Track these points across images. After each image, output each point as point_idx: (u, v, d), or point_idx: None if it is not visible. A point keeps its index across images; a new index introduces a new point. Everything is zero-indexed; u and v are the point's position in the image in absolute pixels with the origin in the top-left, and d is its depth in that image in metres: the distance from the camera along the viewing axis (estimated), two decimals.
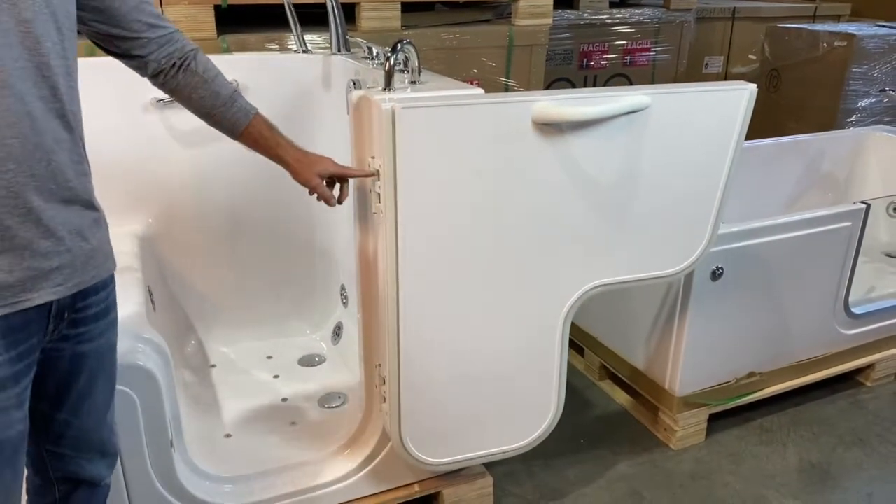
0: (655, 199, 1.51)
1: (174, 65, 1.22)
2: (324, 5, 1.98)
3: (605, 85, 3.60)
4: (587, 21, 3.38)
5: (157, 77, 1.23)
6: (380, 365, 1.52)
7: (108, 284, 1.12)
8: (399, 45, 1.38)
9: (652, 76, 3.73)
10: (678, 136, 1.48)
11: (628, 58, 3.63)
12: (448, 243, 1.39)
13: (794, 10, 4.21)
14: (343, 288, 2.12)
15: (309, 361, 2.04)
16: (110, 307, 1.12)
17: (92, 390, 1.11)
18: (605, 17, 3.43)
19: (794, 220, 1.94)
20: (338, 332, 2.10)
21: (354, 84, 1.76)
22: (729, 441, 2.03)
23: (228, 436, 1.72)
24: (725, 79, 4.16)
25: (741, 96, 1.50)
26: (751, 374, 2.05)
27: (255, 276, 2.10)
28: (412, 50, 1.42)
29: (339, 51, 1.93)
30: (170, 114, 1.91)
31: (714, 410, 2.02)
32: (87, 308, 1.06)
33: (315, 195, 1.36)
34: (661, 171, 1.49)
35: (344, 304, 2.12)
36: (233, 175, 2.01)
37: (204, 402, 1.84)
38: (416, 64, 1.45)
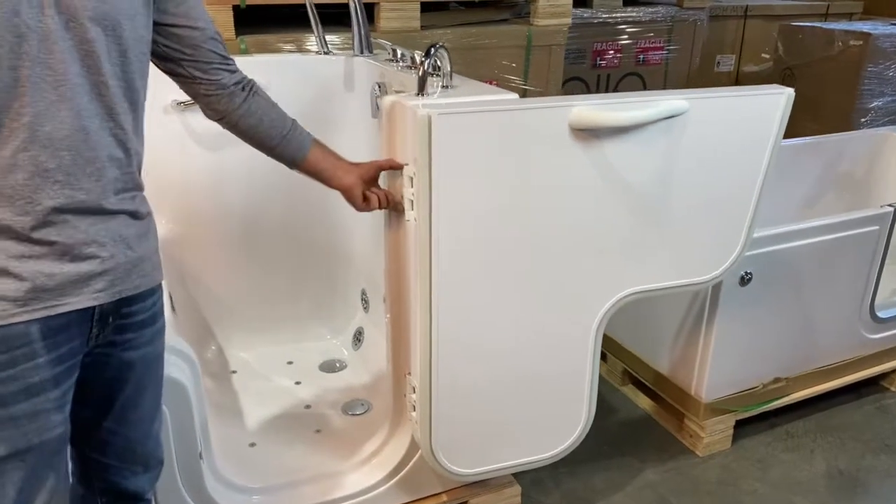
0: (691, 204, 1.49)
1: (243, 88, 1.22)
2: (342, 5, 1.95)
3: (618, 84, 3.58)
4: (601, 19, 3.35)
5: (231, 101, 1.21)
6: (409, 374, 1.50)
7: (154, 292, 1.11)
8: (433, 50, 1.35)
9: (665, 75, 3.70)
10: (715, 141, 1.45)
11: (641, 56, 3.60)
12: (482, 251, 1.37)
13: (807, 7, 4.18)
14: (364, 292, 2.09)
15: (330, 367, 2.02)
16: (157, 315, 1.11)
17: (139, 400, 1.10)
18: (618, 15, 3.40)
19: (822, 225, 1.91)
20: (359, 337, 2.07)
21: (379, 87, 1.73)
22: (755, 447, 2.01)
23: (253, 444, 1.70)
24: (737, 78, 4.14)
25: (778, 101, 1.48)
26: (776, 380, 2.03)
27: (274, 279, 2.07)
28: (445, 54, 1.39)
29: (361, 52, 1.90)
30: (189, 117, 1.88)
31: (741, 417, 2.00)
32: (133, 315, 1.06)
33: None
34: (697, 176, 1.47)
35: (365, 308, 2.10)
36: (251, 178, 1.98)
37: (226, 409, 1.81)
38: (448, 68, 1.42)
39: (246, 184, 1.98)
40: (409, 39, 2.22)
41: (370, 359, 2.01)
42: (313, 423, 1.78)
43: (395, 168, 1.36)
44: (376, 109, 1.75)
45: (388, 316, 1.53)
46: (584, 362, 1.55)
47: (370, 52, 1.90)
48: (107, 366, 1.05)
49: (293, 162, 1.30)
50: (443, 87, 1.42)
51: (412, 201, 1.34)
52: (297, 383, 1.94)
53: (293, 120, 1.30)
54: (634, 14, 3.46)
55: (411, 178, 1.33)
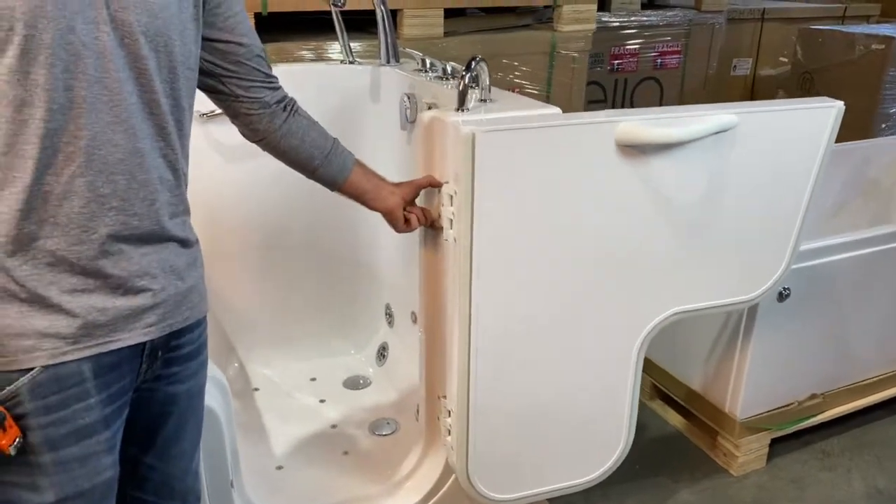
0: (737, 221, 1.44)
1: (285, 107, 1.17)
2: (363, 11, 1.90)
3: (634, 89, 3.53)
4: (618, 23, 3.29)
5: (271, 121, 1.16)
6: (445, 397, 1.45)
7: (201, 324, 1.07)
8: (473, 63, 1.30)
9: (682, 79, 3.65)
10: (762, 155, 1.40)
11: (658, 60, 3.55)
12: (524, 271, 1.32)
13: (824, 10, 4.13)
14: (388, 307, 2.04)
15: (354, 384, 1.97)
16: (202, 347, 1.07)
17: (180, 434, 1.06)
18: (636, 19, 3.35)
19: (863, 238, 1.87)
20: (383, 352, 2.02)
21: (408, 98, 1.68)
22: (790, 466, 1.96)
23: (280, 468, 1.65)
24: (753, 81, 4.09)
25: (828, 114, 1.42)
26: (812, 396, 1.98)
27: (296, 293, 2.02)
28: (484, 67, 1.34)
29: (388, 62, 1.85)
30: (213, 128, 1.83)
31: (776, 435, 1.95)
32: (181, 347, 1.02)
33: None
34: (744, 192, 1.42)
35: (389, 323, 2.05)
36: (273, 190, 1.93)
37: (251, 430, 1.76)
38: (488, 82, 1.37)
39: (269, 196, 1.93)
40: (431, 47, 2.17)
41: (395, 375, 1.96)
42: (340, 444, 1.73)
43: (435, 186, 1.31)
44: (406, 121, 1.70)
45: (421, 335, 1.48)
46: (624, 385, 1.49)
47: (397, 61, 1.85)
48: (151, 401, 1.01)
49: (334, 183, 1.25)
50: (481, 100, 1.37)
51: (451, 220, 1.29)
52: (322, 401, 1.89)
53: (334, 139, 1.25)
54: (652, 18, 3.41)
55: (451, 196, 1.28)
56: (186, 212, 1.03)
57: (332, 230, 2.00)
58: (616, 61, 3.41)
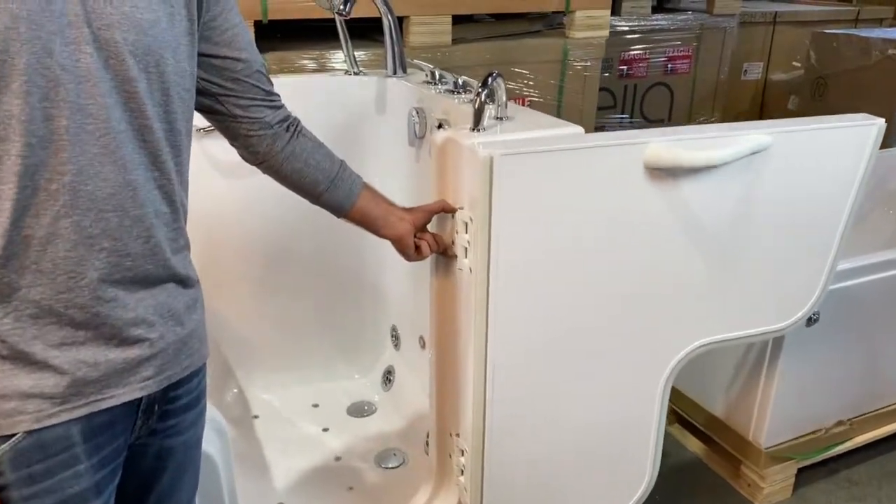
0: (769, 247, 1.35)
1: (288, 128, 1.08)
2: (367, 19, 1.80)
3: (644, 94, 3.43)
4: (629, 28, 3.20)
5: (273, 143, 1.07)
6: (458, 435, 1.36)
7: (201, 370, 0.98)
8: (490, 80, 1.21)
9: (693, 84, 3.56)
10: (798, 177, 1.31)
11: (669, 65, 3.46)
12: (545, 304, 1.23)
13: (836, 13, 4.04)
14: (394, 329, 1.95)
15: (358, 410, 1.88)
16: (201, 395, 0.98)
17: (176, 487, 0.97)
18: (647, 23, 3.25)
19: (893, 259, 1.77)
20: (388, 377, 1.93)
21: (417, 113, 1.59)
22: (817, 497, 1.87)
23: None
24: (765, 86, 3.99)
25: (869, 132, 1.33)
26: (839, 423, 1.89)
27: (297, 315, 1.93)
28: (501, 83, 1.25)
29: (394, 73, 1.75)
30: (209, 143, 1.73)
31: (803, 464, 1.86)
32: (179, 398, 0.93)
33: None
34: (778, 216, 1.33)
35: (395, 346, 1.95)
36: (274, 207, 1.83)
37: (251, 461, 1.67)
38: (504, 98, 1.28)
39: (269, 214, 1.84)
40: (439, 55, 2.08)
41: (401, 401, 1.86)
42: (345, 479, 1.64)
43: (448, 212, 1.22)
44: (414, 137, 1.61)
45: (432, 368, 1.39)
46: (650, 420, 1.40)
47: (404, 72, 1.76)
48: (145, 456, 0.92)
49: (340, 210, 1.16)
50: (496, 118, 1.28)
51: (465, 248, 1.20)
52: (325, 430, 1.80)
53: (341, 161, 1.15)
54: (662, 22, 3.32)
55: (466, 224, 1.19)
56: (186, 247, 0.94)
57: (335, 249, 1.91)
58: (625, 67, 3.31)
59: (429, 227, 1.27)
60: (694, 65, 3.50)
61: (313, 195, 1.14)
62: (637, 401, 1.38)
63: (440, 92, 1.56)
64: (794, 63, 3.83)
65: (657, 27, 3.31)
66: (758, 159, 1.26)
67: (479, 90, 1.20)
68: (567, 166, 1.15)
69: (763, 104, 4.01)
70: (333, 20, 1.86)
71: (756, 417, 1.82)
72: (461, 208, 1.20)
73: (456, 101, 1.49)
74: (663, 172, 1.20)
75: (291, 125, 1.09)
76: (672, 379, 1.39)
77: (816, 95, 3.57)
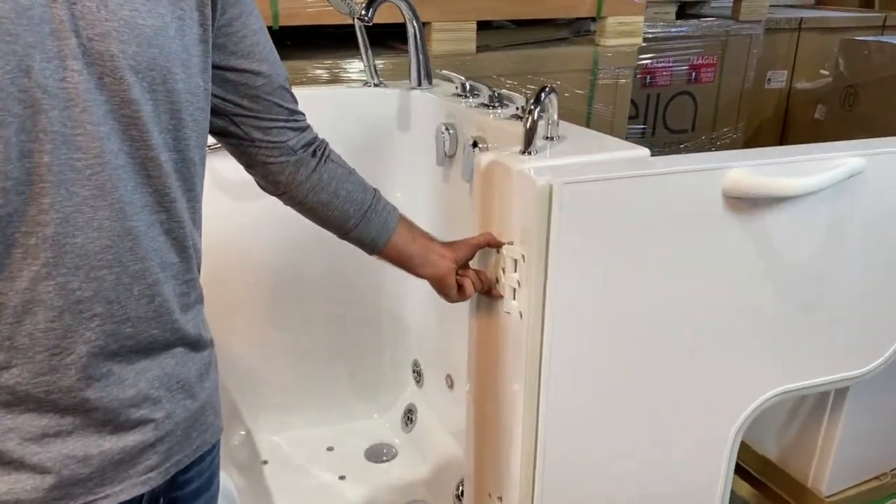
0: (856, 283, 1.18)
1: (314, 153, 0.92)
2: (381, 26, 1.64)
3: (667, 104, 3.28)
4: (652, 35, 3.04)
5: (297, 171, 0.91)
6: (500, 498, 1.19)
7: (214, 447, 0.82)
8: (543, 95, 1.04)
9: (717, 93, 3.41)
10: (892, 204, 1.15)
11: (693, 74, 3.30)
12: (607, 351, 1.06)
13: (862, 20, 3.89)
14: (416, 363, 1.78)
15: (377, 454, 1.71)
16: (214, 475, 0.83)
17: None
18: (671, 30, 3.10)
19: None
20: (410, 416, 1.76)
21: (447, 128, 1.43)
22: None
23: None
24: (789, 95, 3.84)
25: None
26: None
27: (310, 347, 1.76)
28: (554, 99, 1.08)
29: (419, 84, 1.59)
30: (214, 161, 1.57)
31: None
32: (189, 483, 0.77)
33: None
34: (866, 249, 1.16)
35: (417, 382, 1.78)
36: (284, 228, 1.66)
37: None
38: (556, 116, 1.11)
39: (277, 236, 1.67)
40: (463, 63, 1.92)
41: (425, 444, 1.69)
42: None
43: (495, 246, 1.05)
44: (444, 156, 1.45)
45: (470, 422, 1.22)
46: (715, 479, 1.24)
47: (430, 83, 1.60)
48: None
49: (372, 247, 1.00)
50: (546, 137, 1.11)
51: (515, 289, 1.04)
52: (342, 478, 1.63)
53: (375, 190, 0.99)
54: (687, 28, 3.17)
55: (515, 261, 1.02)
56: (199, 300, 0.78)
57: (350, 274, 1.74)
58: (647, 76, 3.16)
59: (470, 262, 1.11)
60: (719, 73, 3.35)
61: (342, 230, 0.98)
62: (703, 458, 1.21)
63: (473, 106, 1.40)
64: (822, 71, 3.68)
65: (681, 34, 3.16)
66: (848, 186, 1.10)
67: (532, 106, 1.04)
68: (636, 195, 0.99)
69: (787, 114, 3.86)
70: (347, 26, 1.70)
71: (817, 462, 1.65)
72: (510, 243, 1.03)
73: (491, 116, 1.32)
74: (744, 202, 1.04)
75: (318, 149, 0.93)
76: (742, 434, 1.23)
77: (846, 105, 3.42)
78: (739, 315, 1.12)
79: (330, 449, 1.71)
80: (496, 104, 1.36)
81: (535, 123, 1.04)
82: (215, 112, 0.83)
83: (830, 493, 1.64)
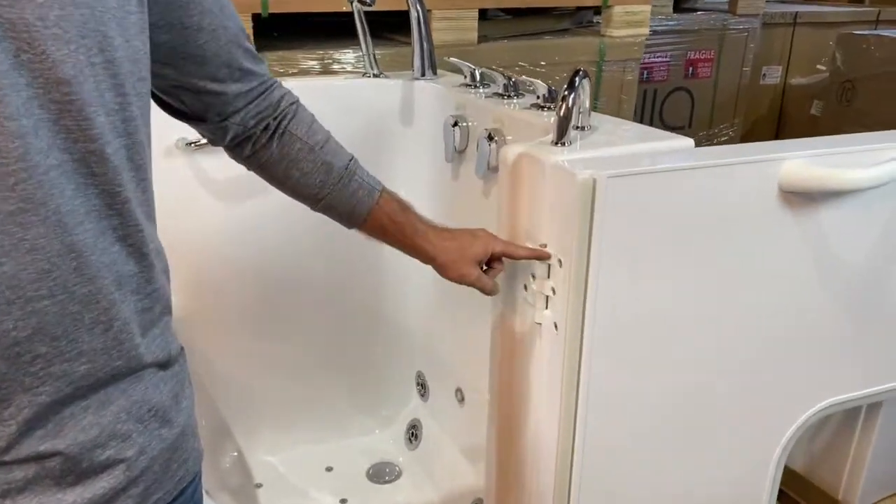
0: None
1: (267, 127, 0.79)
2: (375, 13, 1.51)
3: (665, 100, 3.19)
4: (650, 29, 2.95)
5: (241, 146, 0.79)
6: None
7: (196, 476, 0.69)
8: (577, 80, 0.93)
9: (714, 89, 3.33)
10: None
11: (690, 69, 3.22)
12: (652, 368, 0.95)
13: (857, 14, 3.84)
14: (420, 375, 1.66)
15: (380, 474, 1.58)
16: None
17: None
18: (668, 24, 3.01)
19: None
20: (414, 432, 1.64)
21: (457, 121, 1.31)
22: None
23: None
24: (784, 91, 3.77)
25: None
26: None
27: (305, 359, 1.63)
28: (587, 85, 0.97)
29: (423, 74, 1.47)
30: (201, 159, 1.44)
31: None
32: None
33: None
34: None
35: (421, 395, 1.66)
36: (279, 234, 1.54)
37: None
38: (587, 104, 1.00)
39: (269, 240, 1.55)
40: (464, 54, 1.80)
41: (431, 463, 1.58)
42: None
43: (539, 258, 0.92)
44: (454, 151, 1.33)
45: (492, 445, 1.11)
46: (759, 499, 1.13)
47: (434, 73, 1.48)
48: None
49: (351, 216, 0.87)
50: (577, 127, 1.00)
51: (549, 297, 0.92)
52: (343, 501, 1.50)
53: (348, 163, 0.87)
54: (684, 23, 3.08)
55: (549, 265, 0.91)
56: (166, 311, 0.65)
57: (348, 279, 1.62)
58: (645, 71, 3.07)
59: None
60: (716, 69, 3.27)
61: (312, 200, 0.86)
62: (747, 477, 1.11)
63: (486, 96, 1.29)
64: (819, 66, 3.61)
65: (678, 28, 3.08)
66: None
67: (565, 92, 0.92)
68: (685, 190, 0.88)
69: (782, 109, 3.80)
70: (337, 15, 1.59)
71: (848, 475, 1.55)
72: (543, 246, 0.92)
73: (509, 105, 1.21)
74: (800, 197, 0.94)
75: (273, 123, 0.81)
76: (788, 450, 1.12)
77: (843, 100, 3.35)
78: (794, 323, 1.01)
79: (329, 469, 1.59)
80: (511, 93, 1.25)
81: (569, 111, 0.93)
82: (164, 87, 0.71)
83: None
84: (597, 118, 1.06)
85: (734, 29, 3.23)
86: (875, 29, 3.85)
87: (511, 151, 0.94)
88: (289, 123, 0.81)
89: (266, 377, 1.61)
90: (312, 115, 0.87)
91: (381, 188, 0.89)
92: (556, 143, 0.93)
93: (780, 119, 3.80)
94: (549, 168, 0.88)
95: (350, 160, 0.87)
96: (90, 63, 0.52)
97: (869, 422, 1.49)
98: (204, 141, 1.32)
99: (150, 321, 0.61)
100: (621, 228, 0.86)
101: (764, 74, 3.68)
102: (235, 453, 1.58)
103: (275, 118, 0.80)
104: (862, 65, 3.24)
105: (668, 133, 1.00)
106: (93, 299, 0.54)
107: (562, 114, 0.92)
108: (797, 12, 3.62)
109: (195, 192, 1.46)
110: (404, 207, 0.90)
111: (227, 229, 1.49)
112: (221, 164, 1.23)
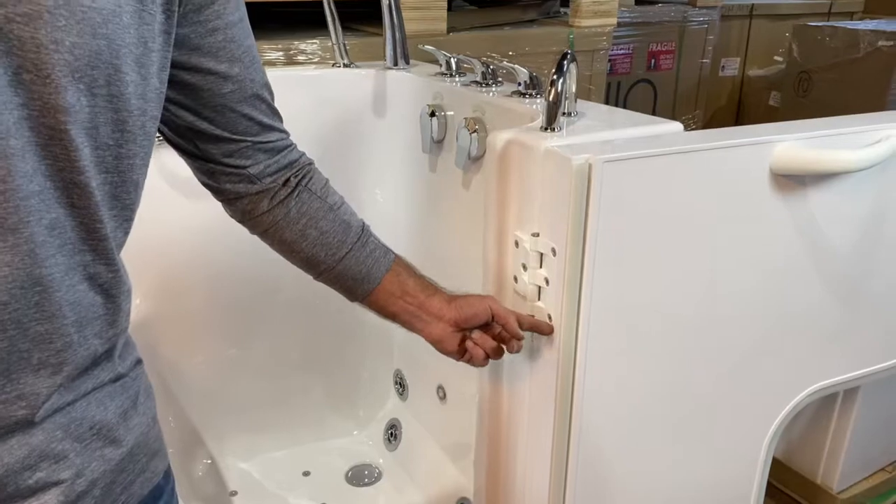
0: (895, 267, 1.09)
1: (287, 183, 0.75)
2: (342, 4, 1.47)
3: (628, 92, 3.20)
4: None
5: (259, 201, 0.75)
6: None
7: (162, 490, 0.64)
8: (565, 63, 0.90)
9: (676, 81, 3.35)
10: None
11: (652, 61, 3.24)
12: (647, 356, 0.93)
13: (811, 6, 3.91)
14: (399, 374, 1.62)
15: (360, 477, 1.54)
16: None
17: None
18: (631, 16, 3.02)
19: None
20: (393, 432, 1.60)
21: (433, 112, 1.27)
22: None
23: None
24: (742, 82, 3.83)
25: None
26: None
27: (279, 361, 1.58)
28: (574, 69, 0.94)
29: (395, 63, 1.43)
30: (164, 155, 1.37)
31: None
32: None
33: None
34: None
35: (400, 394, 1.62)
36: (246, 232, 1.48)
37: None
38: (574, 88, 0.98)
39: (241, 239, 1.47)
40: (433, 45, 1.76)
41: (412, 463, 1.54)
42: None
43: (540, 332, 0.88)
44: (431, 142, 1.29)
45: (482, 448, 1.08)
46: (748, 490, 1.13)
47: (406, 62, 1.44)
48: None
49: (352, 292, 0.84)
50: (564, 113, 0.97)
51: (540, 288, 0.90)
52: None
53: (363, 229, 0.83)
54: (646, 15, 3.10)
55: (541, 255, 0.88)
56: (127, 348, 0.62)
57: None
58: (610, 63, 3.07)
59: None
60: (677, 61, 3.30)
61: (312, 272, 0.83)
62: (734, 466, 1.10)
63: (464, 84, 1.25)
64: (776, 58, 3.67)
65: (640, 20, 3.09)
66: (894, 162, 0.99)
67: (554, 76, 0.90)
68: (681, 175, 0.86)
69: (741, 101, 3.85)
70: (298, 5, 1.53)
71: (827, 457, 1.57)
72: (535, 235, 0.89)
73: (489, 94, 1.18)
74: (791, 180, 0.93)
75: (295, 176, 0.77)
76: (777, 437, 1.12)
77: (800, 91, 3.41)
78: (783, 305, 1.00)
79: (306, 474, 1.53)
80: (490, 81, 1.22)
81: (558, 95, 0.90)
82: (164, 120, 0.66)
83: (842, 488, 1.56)
84: (582, 104, 1.03)
85: (694, 21, 3.26)
86: (828, 20, 3.93)
87: (499, 138, 0.91)
88: (308, 182, 0.78)
89: (238, 380, 1.55)
90: (326, 178, 0.83)
91: (395, 255, 0.86)
92: (546, 129, 0.90)
93: (738, 111, 3.86)
94: (542, 154, 0.85)
95: (363, 223, 0.84)
96: (91, 94, 0.48)
97: (847, 405, 1.50)
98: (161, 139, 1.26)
99: (103, 354, 0.56)
100: (618, 214, 0.83)
101: (723, 66, 3.73)
102: (208, 461, 1.52)
103: (295, 175, 0.77)
104: (817, 55, 3.30)
105: (656, 118, 0.98)
106: (47, 338, 0.49)
107: (551, 98, 0.89)
108: (753, 4, 3.67)
109: (160, 189, 1.39)
110: (416, 275, 0.86)
111: (194, 228, 1.43)
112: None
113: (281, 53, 1.73)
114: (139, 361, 0.64)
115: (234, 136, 0.69)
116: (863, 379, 1.17)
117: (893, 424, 1.58)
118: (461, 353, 0.87)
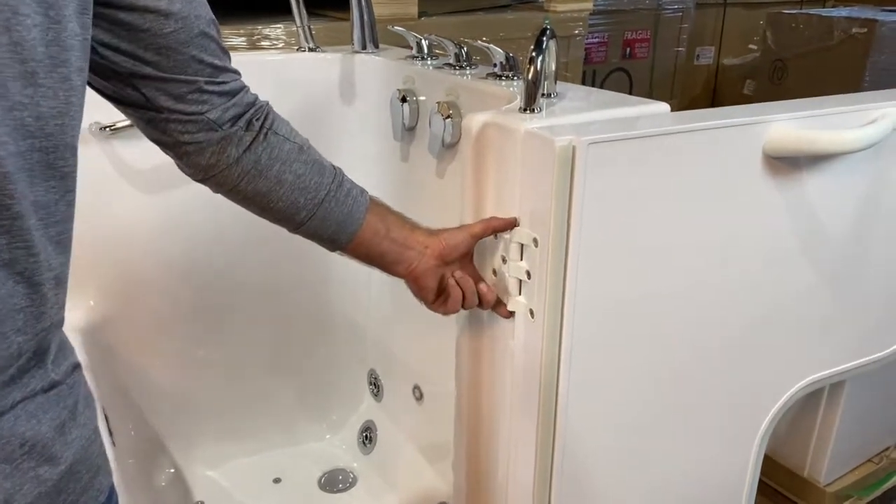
0: (891, 254, 1.04)
1: (250, 127, 0.67)
2: None
3: (604, 81, 3.16)
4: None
5: (223, 151, 0.67)
6: None
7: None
8: (544, 41, 0.84)
9: (651, 70, 3.32)
10: None
11: (627, 49, 3.20)
12: (634, 351, 0.88)
13: None
14: (373, 374, 1.55)
15: (333, 482, 1.47)
16: None
17: None
18: (605, 4, 2.98)
19: None
20: (368, 435, 1.53)
21: (404, 97, 1.20)
22: None
23: None
24: (717, 71, 3.80)
25: None
26: (887, 448, 1.64)
27: (247, 362, 1.50)
28: (553, 47, 0.88)
29: (363, 47, 1.36)
30: (118, 145, 1.29)
31: (866, 501, 1.59)
32: None
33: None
34: None
35: (375, 395, 1.56)
36: (210, 224, 1.40)
37: None
38: (554, 67, 0.91)
39: (202, 233, 1.41)
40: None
41: (388, 466, 1.47)
42: None
43: (503, 230, 0.84)
44: (403, 129, 1.22)
45: (461, 449, 1.02)
46: (739, 488, 1.08)
47: (375, 47, 1.37)
48: None
49: (333, 243, 0.77)
50: (544, 94, 0.91)
51: (522, 282, 0.83)
52: None
53: (336, 170, 0.76)
54: (622, 3, 3.05)
55: (522, 246, 0.82)
56: (61, 345, 0.54)
57: (292, 272, 1.49)
58: (586, 52, 3.02)
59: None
60: (652, 49, 3.26)
61: (292, 224, 0.75)
62: (727, 462, 1.05)
63: (436, 67, 1.18)
64: (751, 46, 3.65)
65: (614, 8, 3.05)
66: (887, 142, 0.95)
67: (532, 53, 0.83)
68: (669, 158, 0.80)
69: (716, 89, 3.83)
70: None
71: (814, 451, 1.53)
72: (516, 224, 0.83)
73: (463, 76, 1.12)
74: (784, 163, 0.87)
75: (257, 119, 0.69)
76: (769, 432, 1.07)
77: (775, 79, 3.39)
78: (780, 297, 0.95)
79: (277, 480, 1.46)
80: (464, 63, 1.15)
81: (537, 74, 0.84)
82: (101, 70, 0.58)
83: (829, 480, 1.53)
84: (562, 86, 0.97)
85: (669, 9, 3.23)
86: (801, 7, 3.92)
87: (475, 120, 0.84)
88: (272, 124, 0.71)
89: (202, 383, 1.47)
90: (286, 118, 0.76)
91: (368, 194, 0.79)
92: (525, 111, 0.84)
93: (713, 99, 3.84)
94: (522, 136, 0.79)
95: (331, 165, 0.77)
96: None
97: (832, 399, 1.46)
98: (122, 124, 1.16)
99: (40, 362, 0.49)
100: (602, 200, 0.77)
101: (698, 55, 3.70)
102: (171, 470, 1.43)
103: (257, 118, 0.69)
104: (791, 43, 3.28)
105: (640, 98, 0.92)
106: None
107: (530, 77, 0.83)
108: None
109: (114, 181, 1.31)
110: (388, 211, 0.81)
111: (151, 221, 1.35)
112: (142, 151, 1.10)
113: (244, 39, 1.65)
114: (77, 366, 0.57)
115: (183, 79, 0.61)
116: (854, 371, 1.13)
117: (878, 416, 1.55)
118: (439, 293, 0.83)
